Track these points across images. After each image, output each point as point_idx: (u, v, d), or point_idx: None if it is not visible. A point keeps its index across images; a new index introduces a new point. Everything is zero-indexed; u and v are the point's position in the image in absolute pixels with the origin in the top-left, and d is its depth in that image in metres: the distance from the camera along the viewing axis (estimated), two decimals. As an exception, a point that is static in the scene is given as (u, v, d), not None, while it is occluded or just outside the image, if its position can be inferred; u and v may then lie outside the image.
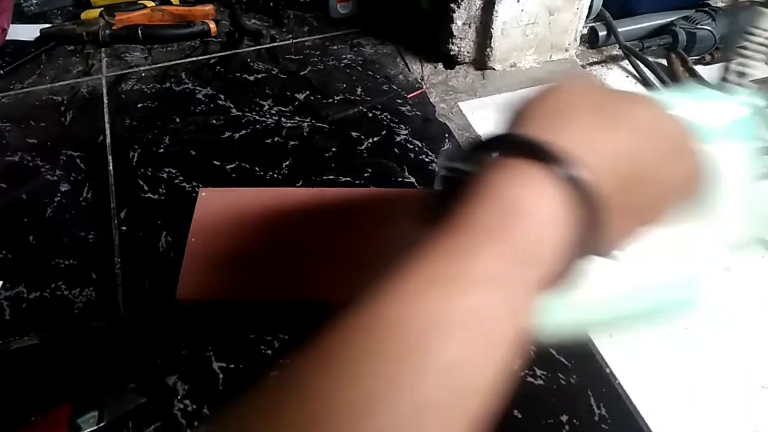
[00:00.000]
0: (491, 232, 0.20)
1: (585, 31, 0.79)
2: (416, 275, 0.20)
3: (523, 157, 0.22)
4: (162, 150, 0.65)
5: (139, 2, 0.85)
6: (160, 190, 0.60)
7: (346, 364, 0.18)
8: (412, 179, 0.62)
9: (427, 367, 0.18)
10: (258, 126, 0.68)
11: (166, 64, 0.78)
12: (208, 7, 0.84)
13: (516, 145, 0.23)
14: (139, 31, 0.80)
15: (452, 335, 0.18)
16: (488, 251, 0.20)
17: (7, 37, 0.80)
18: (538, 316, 0.22)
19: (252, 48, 0.81)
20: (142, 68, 0.77)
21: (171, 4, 0.86)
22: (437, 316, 0.18)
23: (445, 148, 0.65)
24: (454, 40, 0.74)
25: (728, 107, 0.34)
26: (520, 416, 0.44)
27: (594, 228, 0.23)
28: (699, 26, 0.75)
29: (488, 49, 0.73)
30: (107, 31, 0.80)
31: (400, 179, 0.62)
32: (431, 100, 0.72)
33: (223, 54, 0.80)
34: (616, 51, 0.79)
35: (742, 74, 0.34)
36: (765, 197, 0.35)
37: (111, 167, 0.63)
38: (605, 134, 0.24)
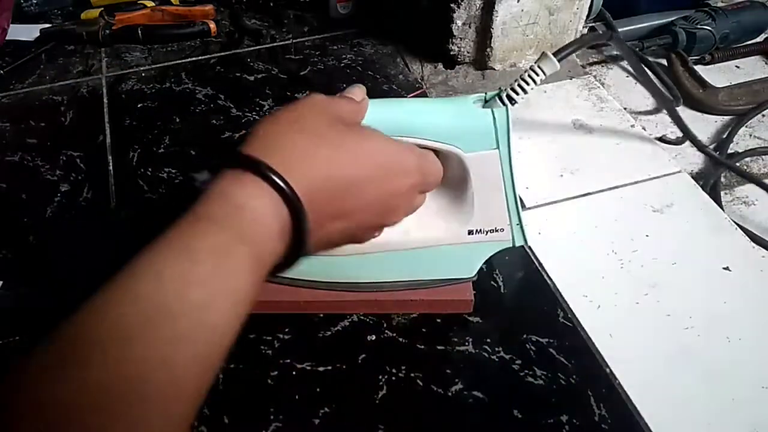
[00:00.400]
0: (219, 220, 0.28)
1: (585, 31, 0.79)
2: (169, 248, 0.27)
3: (245, 170, 0.29)
4: (162, 150, 0.65)
5: (139, 2, 0.85)
6: (160, 190, 0.60)
7: (119, 312, 0.24)
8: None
9: (180, 309, 0.25)
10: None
11: (166, 64, 0.78)
12: (208, 7, 0.84)
13: (241, 161, 0.30)
14: (139, 31, 0.80)
15: (196, 287, 0.26)
16: (217, 233, 0.27)
17: (7, 37, 0.80)
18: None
19: (252, 48, 0.81)
20: (142, 68, 0.77)
21: (171, 4, 0.86)
22: (184, 274, 0.26)
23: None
24: (454, 40, 0.74)
25: (482, 118, 0.41)
26: (520, 416, 0.44)
27: (300, 223, 0.30)
28: (699, 26, 0.76)
29: (488, 49, 0.73)
30: (107, 31, 0.80)
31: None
32: (431, 100, 0.72)
33: (223, 54, 0.80)
34: (616, 51, 0.79)
35: (511, 98, 0.41)
36: (515, 191, 0.44)
37: (111, 167, 0.63)
38: (315, 158, 0.31)
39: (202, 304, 0.25)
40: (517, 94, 0.41)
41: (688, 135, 0.66)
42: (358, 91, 0.38)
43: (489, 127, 0.41)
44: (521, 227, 0.46)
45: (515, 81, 0.41)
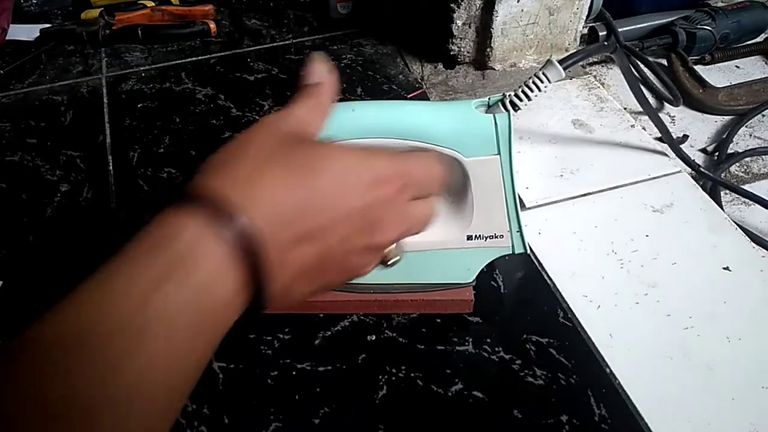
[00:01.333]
0: (160, 277, 0.23)
1: (585, 31, 0.79)
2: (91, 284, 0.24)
3: (198, 209, 0.25)
4: (162, 150, 0.65)
5: (139, 2, 0.85)
6: (160, 190, 0.60)
7: (65, 358, 0.22)
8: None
9: (127, 364, 0.22)
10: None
11: (166, 64, 0.78)
12: (208, 7, 0.84)
13: (195, 198, 0.25)
14: (139, 31, 0.80)
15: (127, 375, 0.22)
16: (146, 264, 0.24)
17: (7, 37, 0.80)
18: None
19: (252, 48, 0.81)
20: (142, 68, 0.77)
21: (171, 4, 0.86)
22: (104, 315, 0.23)
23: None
24: (454, 40, 0.74)
25: (485, 125, 0.40)
26: (520, 416, 0.44)
27: (258, 271, 0.25)
28: (699, 26, 0.75)
29: (488, 49, 0.73)
30: (107, 31, 0.80)
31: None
32: (431, 100, 0.72)
33: (223, 54, 0.80)
34: (595, 54, 0.79)
35: (514, 104, 0.40)
36: (516, 197, 0.44)
37: (111, 167, 0.63)
38: (264, 179, 0.26)
39: (129, 396, 0.22)
40: (521, 100, 0.41)
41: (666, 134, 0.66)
42: (318, 68, 0.34)
43: (490, 133, 0.41)
44: (521, 234, 0.45)
45: (519, 87, 0.41)
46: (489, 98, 0.42)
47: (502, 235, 0.45)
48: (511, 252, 0.46)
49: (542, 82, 0.41)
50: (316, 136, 0.32)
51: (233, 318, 0.26)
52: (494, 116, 0.41)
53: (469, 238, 0.46)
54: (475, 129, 0.41)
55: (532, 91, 0.41)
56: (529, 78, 0.41)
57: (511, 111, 0.41)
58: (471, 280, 0.48)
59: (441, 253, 0.46)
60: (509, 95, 0.41)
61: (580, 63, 0.76)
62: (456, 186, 0.45)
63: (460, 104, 0.42)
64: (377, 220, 0.30)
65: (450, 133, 0.41)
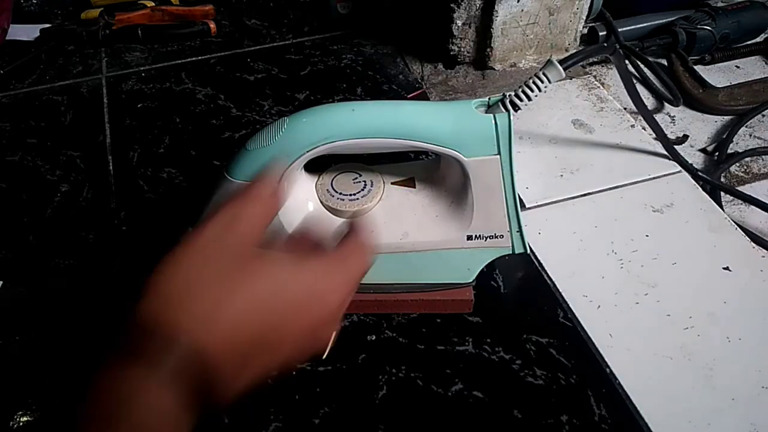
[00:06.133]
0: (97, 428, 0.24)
1: (585, 31, 0.79)
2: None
3: (140, 346, 0.25)
4: (162, 150, 0.65)
5: (139, 2, 0.85)
6: (160, 190, 0.60)
7: None
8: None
9: None
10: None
11: (166, 64, 0.78)
12: (208, 7, 0.84)
13: (135, 334, 0.26)
14: (139, 31, 0.80)
15: None
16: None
17: (7, 37, 0.80)
18: None
19: (252, 48, 0.81)
20: (142, 68, 0.77)
21: (171, 4, 0.86)
22: None
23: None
24: (454, 40, 0.74)
25: (486, 125, 0.41)
26: (520, 416, 0.44)
27: (208, 397, 0.26)
28: (699, 26, 0.75)
29: (488, 49, 0.73)
30: (107, 31, 0.80)
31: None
32: (431, 100, 0.72)
33: (223, 54, 0.80)
34: (594, 55, 0.79)
35: (514, 104, 0.40)
36: (516, 197, 0.44)
37: (111, 167, 0.63)
38: (226, 308, 0.27)
39: None
40: (521, 100, 0.41)
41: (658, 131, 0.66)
42: (263, 186, 0.32)
43: (490, 133, 0.41)
44: (521, 234, 0.45)
45: (519, 87, 0.41)
46: (489, 98, 0.42)
47: (503, 235, 0.45)
48: (511, 252, 0.46)
49: (542, 82, 0.41)
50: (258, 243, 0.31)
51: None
52: (494, 116, 0.41)
53: (469, 238, 0.46)
54: (476, 129, 0.41)
55: (532, 91, 0.41)
56: (530, 78, 0.41)
57: (512, 111, 0.41)
58: (471, 280, 0.48)
59: (441, 253, 0.46)
60: (509, 95, 0.41)
61: (580, 63, 0.76)
62: (456, 186, 0.45)
63: (460, 104, 0.42)
64: (316, 339, 0.31)
65: (450, 133, 0.41)
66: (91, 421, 0.24)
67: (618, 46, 0.59)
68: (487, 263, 0.48)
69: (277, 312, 0.29)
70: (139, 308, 0.27)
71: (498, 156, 0.42)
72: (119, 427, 0.24)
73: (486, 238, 0.46)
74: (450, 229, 0.46)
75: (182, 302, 0.27)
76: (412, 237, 0.46)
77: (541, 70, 0.41)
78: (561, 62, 0.41)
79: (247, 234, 0.30)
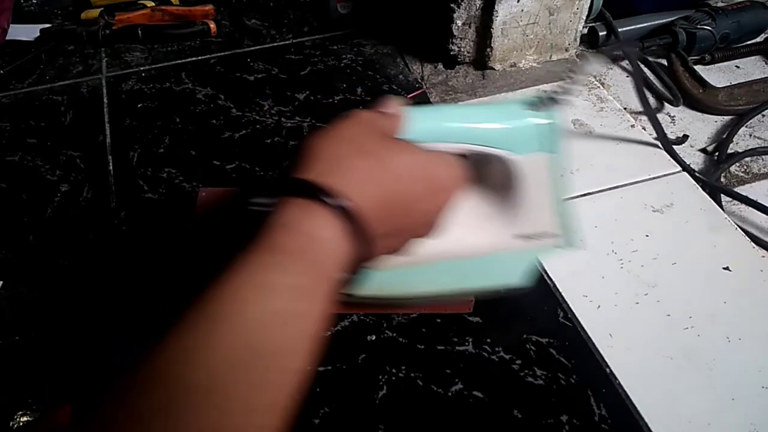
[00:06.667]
0: (294, 253, 0.28)
1: (585, 31, 0.79)
2: (250, 284, 0.26)
3: (309, 198, 0.30)
4: (162, 150, 0.65)
5: (139, 2, 0.85)
6: (160, 190, 0.60)
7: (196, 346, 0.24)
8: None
9: (263, 354, 0.25)
10: (258, 126, 0.68)
11: (166, 64, 0.78)
12: (208, 7, 0.84)
13: (304, 189, 0.30)
14: (139, 31, 0.80)
15: (279, 330, 0.26)
16: (295, 269, 0.28)
17: (7, 37, 0.80)
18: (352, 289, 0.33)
19: (252, 48, 0.81)
20: (142, 68, 0.77)
21: (171, 4, 0.86)
22: (268, 316, 0.26)
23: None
24: (454, 40, 0.74)
25: (534, 123, 0.41)
26: (520, 416, 0.44)
27: (364, 246, 0.31)
28: (699, 26, 0.75)
29: (488, 49, 0.73)
30: (107, 31, 0.80)
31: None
32: (431, 100, 0.72)
33: (223, 54, 0.80)
34: (616, 51, 0.79)
35: (554, 100, 0.41)
36: (565, 194, 0.44)
37: (111, 167, 0.63)
38: (372, 178, 0.32)
39: (284, 349, 0.26)
40: (565, 96, 0.40)
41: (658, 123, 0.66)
42: (393, 104, 0.37)
43: (540, 131, 0.41)
44: (570, 229, 0.44)
45: (563, 83, 0.41)
46: (534, 97, 0.41)
47: (551, 232, 0.44)
48: (562, 248, 0.45)
49: (581, 75, 0.41)
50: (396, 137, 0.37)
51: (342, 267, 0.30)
52: (543, 114, 0.40)
53: (518, 237, 0.45)
54: (525, 127, 0.41)
55: (573, 84, 0.41)
56: (570, 72, 0.41)
57: (556, 107, 0.40)
58: (522, 282, 0.46)
59: (490, 256, 0.45)
60: (551, 92, 0.41)
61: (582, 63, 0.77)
62: (501, 186, 0.44)
63: (509, 104, 0.42)
64: (434, 222, 0.37)
65: (501, 133, 0.41)
66: (257, 246, 0.28)
67: (636, 47, 0.60)
68: (536, 262, 0.46)
69: (415, 190, 0.33)
70: (297, 172, 0.31)
71: (547, 153, 0.41)
72: (284, 242, 0.28)
73: (534, 237, 0.45)
74: (498, 229, 0.45)
75: (338, 170, 0.31)
76: (462, 240, 0.45)
77: (581, 65, 0.41)
78: (595, 53, 0.41)
79: (387, 128, 0.36)
